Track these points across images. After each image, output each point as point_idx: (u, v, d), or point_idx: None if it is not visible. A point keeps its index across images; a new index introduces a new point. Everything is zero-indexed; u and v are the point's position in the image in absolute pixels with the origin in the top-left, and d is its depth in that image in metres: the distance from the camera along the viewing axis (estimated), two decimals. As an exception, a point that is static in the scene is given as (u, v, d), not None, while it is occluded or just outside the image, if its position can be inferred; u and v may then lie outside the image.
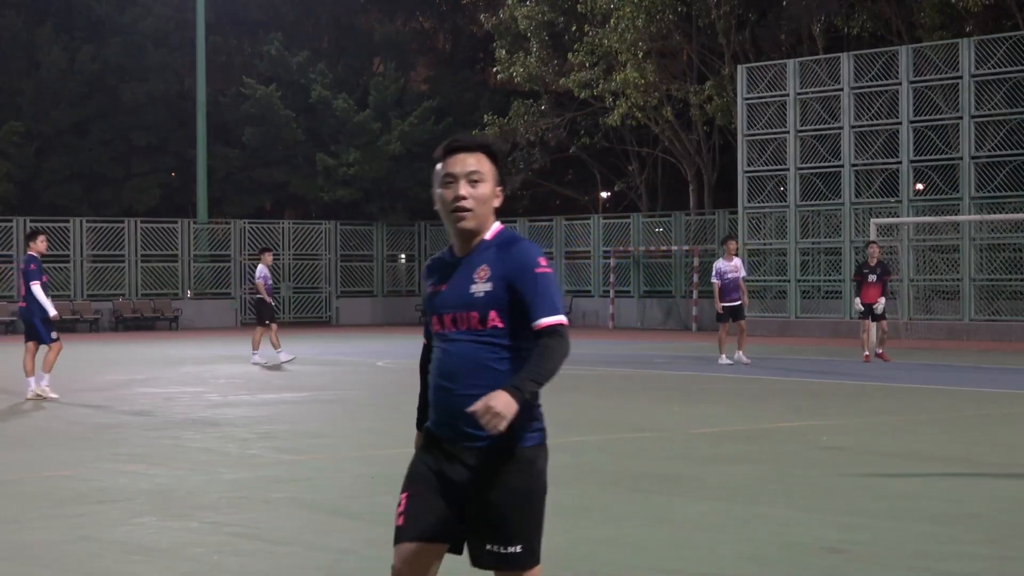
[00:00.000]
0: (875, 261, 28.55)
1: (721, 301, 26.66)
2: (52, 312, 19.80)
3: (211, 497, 11.20)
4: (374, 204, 57.87)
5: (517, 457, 5.39)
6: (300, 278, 53.38)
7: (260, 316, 28.52)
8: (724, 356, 26.80)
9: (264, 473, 12.63)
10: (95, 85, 57.02)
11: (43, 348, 19.94)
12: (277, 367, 26.86)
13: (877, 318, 28.40)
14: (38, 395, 19.73)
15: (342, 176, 55.94)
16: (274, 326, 28.09)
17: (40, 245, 20.11)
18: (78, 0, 58.27)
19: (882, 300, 28.42)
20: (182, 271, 50.56)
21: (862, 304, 28.32)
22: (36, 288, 19.60)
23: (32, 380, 19.84)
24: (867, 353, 28.31)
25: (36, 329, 19.81)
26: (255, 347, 28.09)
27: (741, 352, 26.70)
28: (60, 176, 56.56)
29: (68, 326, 46.92)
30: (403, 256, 58.02)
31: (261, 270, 28.73)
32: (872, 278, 28.41)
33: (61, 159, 56.44)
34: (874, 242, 30.16)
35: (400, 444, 14.94)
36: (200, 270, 50.33)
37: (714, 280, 26.75)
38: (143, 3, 57.86)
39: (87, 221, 49.78)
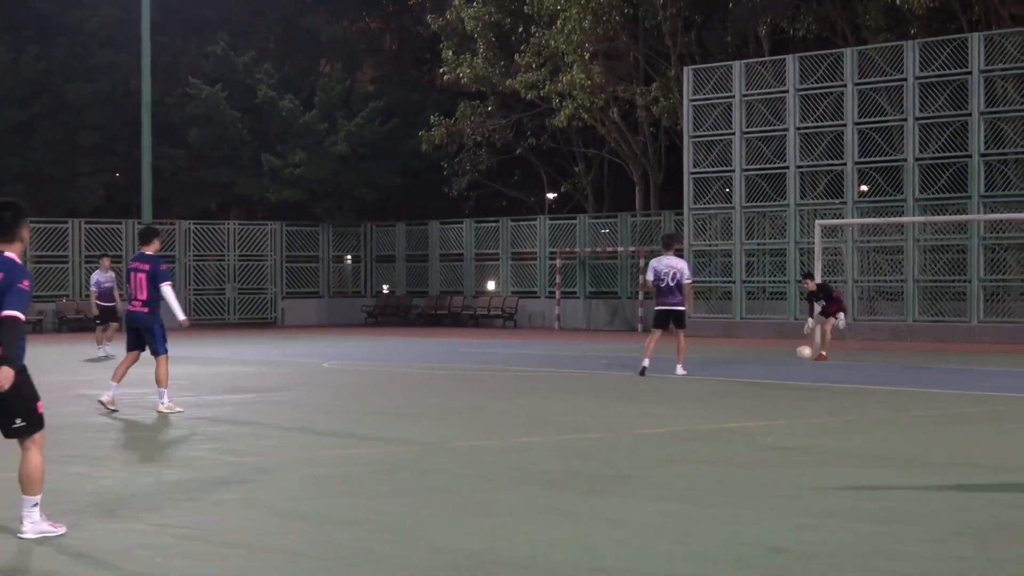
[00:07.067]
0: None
1: None
2: (183, 316, 18.55)
3: (156, 499, 11.10)
4: (320, 205, 57.72)
5: None
6: (245, 279, 53.18)
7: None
8: None
9: (209, 475, 12.53)
10: (40, 85, 56.60)
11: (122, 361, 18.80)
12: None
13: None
14: (165, 411, 18.14)
15: (288, 177, 55.75)
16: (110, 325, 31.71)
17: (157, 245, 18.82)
18: (23, -1, 57.88)
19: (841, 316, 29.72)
20: (126, 272, 50.11)
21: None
22: (169, 289, 18.36)
23: (114, 386, 18.45)
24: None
25: (154, 337, 18.42)
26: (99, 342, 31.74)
27: None
28: (4, 176, 56.01)
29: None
30: (349, 257, 57.89)
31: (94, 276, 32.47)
32: (822, 303, 29.39)
33: (5, 159, 55.94)
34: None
35: (347, 445, 14.91)
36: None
37: None
38: (89, 3, 57.43)
39: (31, 222, 49.27)
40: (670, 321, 24.35)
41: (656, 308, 24.65)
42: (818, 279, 35.31)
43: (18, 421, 9.50)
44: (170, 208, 57.13)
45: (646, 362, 24.17)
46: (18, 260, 9.47)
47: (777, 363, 28.50)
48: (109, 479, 12.23)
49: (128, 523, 10.06)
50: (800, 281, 30.64)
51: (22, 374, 9.43)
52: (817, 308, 29.33)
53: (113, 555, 9.01)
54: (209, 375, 25.52)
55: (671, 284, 24.07)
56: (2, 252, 9.46)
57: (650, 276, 24.42)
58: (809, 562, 8.61)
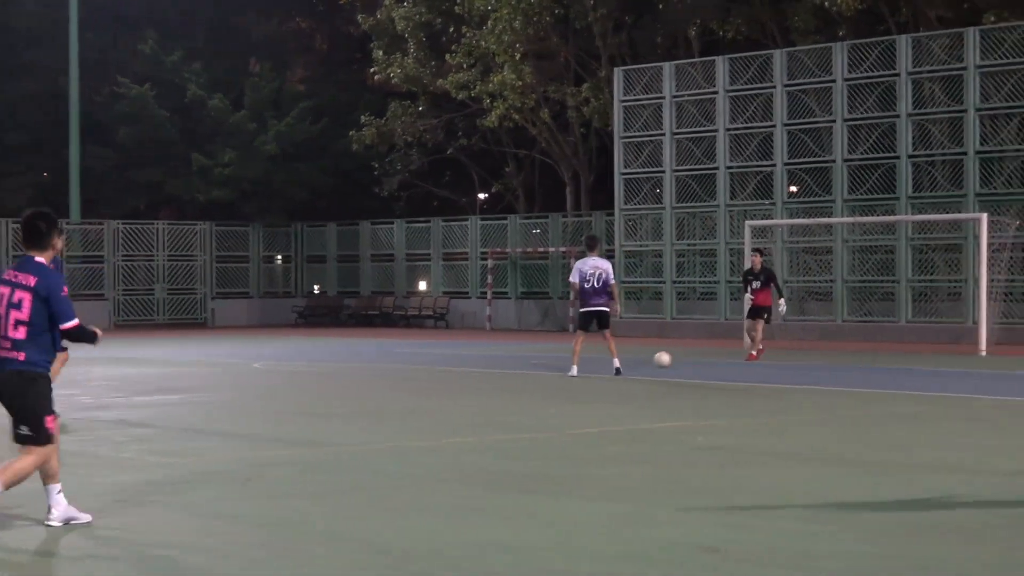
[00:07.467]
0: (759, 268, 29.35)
1: None
2: None
3: (84, 501, 10.97)
4: (250, 205, 57.43)
5: None
6: (175, 279, 52.79)
7: None
8: None
9: (139, 476, 12.43)
10: (-34, 84, 56.08)
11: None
12: None
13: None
14: None
15: (218, 176, 55.44)
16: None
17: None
18: (-53, -4, 57.27)
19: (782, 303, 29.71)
20: (54, 272, 49.63)
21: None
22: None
23: None
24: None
25: None
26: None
27: None
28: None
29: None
30: (279, 257, 57.63)
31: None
32: (756, 284, 29.12)
33: (-69, 159, 55.46)
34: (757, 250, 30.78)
35: (278, 447, 14.83)
36: (72, 271, 49.57)
37: None
38: (17, 0, 56.88)
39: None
40: (594, 322, 24.33)
41: (581, 310, 24.54)
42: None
43: (24, 429, 9.63)
44: (99, 208, 56.62)
45: (574, 370, 24.12)
46: (47, 265, 9.87)
47: (709, 364, 28.60)
48: (36, 480, 12.09)
49: (55, 526, 9.95)
50: (752, 255, 30.29)
51: (40, 382, 9.77)
52: (748, 299, 29.24)
53: (39, 558, 8.93)
54: (138, 376, 25.31)
55: (596, 285, 23.93)
56: (33, 257, 9.88)
57: (575, 278, 24.21)
58: (740, 561, 8.64)
